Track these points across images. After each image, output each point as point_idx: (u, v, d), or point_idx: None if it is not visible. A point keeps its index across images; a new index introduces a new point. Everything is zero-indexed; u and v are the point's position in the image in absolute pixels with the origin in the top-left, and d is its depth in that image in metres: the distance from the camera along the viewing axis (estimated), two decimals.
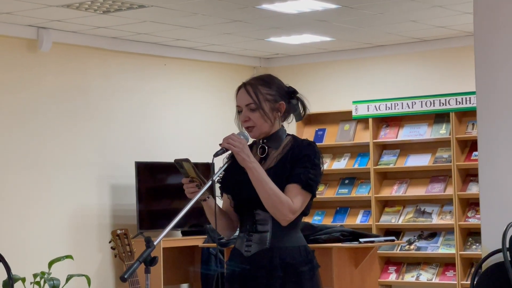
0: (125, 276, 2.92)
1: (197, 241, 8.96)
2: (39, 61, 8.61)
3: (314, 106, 10.64)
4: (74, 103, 8.90)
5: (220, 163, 3.47)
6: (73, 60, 8.92)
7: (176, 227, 9.17)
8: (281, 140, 3.44)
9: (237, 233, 3.48)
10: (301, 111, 3.54)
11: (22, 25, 8.34)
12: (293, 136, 3.48)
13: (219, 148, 3.32)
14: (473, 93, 5.15)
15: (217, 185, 3.52)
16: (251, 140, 3.46)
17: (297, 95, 3.52)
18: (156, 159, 9.31)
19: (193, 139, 9.85)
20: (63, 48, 8.80)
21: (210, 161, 3.37)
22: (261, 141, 3.46)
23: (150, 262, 3.00)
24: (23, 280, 7.85)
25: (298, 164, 3.33)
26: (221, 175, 3.42)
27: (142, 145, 9.47)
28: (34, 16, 7.95)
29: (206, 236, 8.79)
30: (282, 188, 3.31)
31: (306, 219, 9.40)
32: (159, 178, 9.31)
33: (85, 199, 8.94)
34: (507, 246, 4.55)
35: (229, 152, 3.33)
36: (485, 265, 4.80)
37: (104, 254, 8.99)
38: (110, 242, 3.75)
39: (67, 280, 8.09)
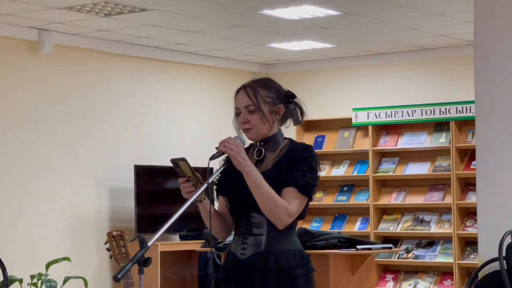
0: (118, 276, 2.91)
1: (195, 245, 8.95)
2: (40, 63, 8.62)
3: (314, 112, 10.68)
4: (74, 106, 8.91)
5: (217, 166, 3.46)
6: (74, 63, 8.93)
7: (174, 231, 9.21)
8: (278, 143, 3.44)
9: (232, 236, 3.48)
10: (299, 116, 3.54)
11: (24, 27, 8.35)
12: (290, 139, 3.48)
13: (215, 151, 3.32)
14: (473, 102, 5.15)
15: (214, 187, 3.52)
16: (248, 143, 3.46)
17: (295, 99, 3.52)
18: (155, 163, 9.31)
19: (192, 143, 9.85)
20: (64, 50, 8.80)
21: (208, 165, 3.33)
22: (258, 143, 3.46)
23: (143, 262, 3.00)
24: (20, 281, 7.84)
25: (295, 167, 3.33)
26: (217, 178, 3.42)
27: (141, 148, 9.48)
28: (36, 18, 7.96)
29: (203, 241, 8.79)
30: (279, 191, 3.31)
31: (304, 225, 9.45)
32: (158, 182, 9.31)
33: (83, 202, 8.93)
34: (504, 254, 4.54)
35: (226, 155, 3.32)
36: (481, 274, 4.79)
37: (101, 257, 8.99)
38: (105, 243, 3.76)
39: (64, 282, 8.08)
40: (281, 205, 3.26)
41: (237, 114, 3.46)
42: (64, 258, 8.19)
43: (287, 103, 3.48)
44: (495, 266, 4.67)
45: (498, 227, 4.75)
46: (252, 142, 3.50)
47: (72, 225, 8.82)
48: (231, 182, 3.41)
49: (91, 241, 8.93)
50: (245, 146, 3.41)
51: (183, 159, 3.30)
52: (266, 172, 3.35)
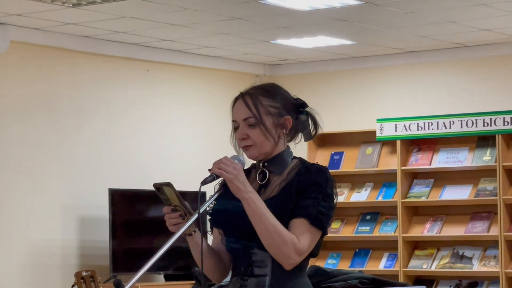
0: None
1: (184, 287, 8.98)
2: None
3: (330, 124, 10.72)
4: (36, 116, 8.93)
5: (210, 192, 3.48)
6: (36, 64, 8.95)
7: (157, 269, 9.22)
8: (286, 164, 3.45)
9: (229, 277, 3.49)
10: (311, 129, 3.56)
11: None
12: (300, 159, 3.49)
13: (208, 174, 3.34)
14: None
15: (207, 218, 3.54)
16: (248, 164, 3.47)
17: (307, 109, 3.54)
18: (134, 186, 9.32)
19: (181, 163, 9.88)
20: (23, 48, 8.84)
21: (198, 190, 3.34)
22: (261, 164, 3.47)
23: None
24: None
25: (306, 194, 3.34)
26: (211, 206, 3.43)
27: (118, 168, 9.50)
28: None
29: (194, 282, 8.81)
30: (286, 223, 3.32)
31: (317, 263, 9.44)
32: (138, 209, 9.34)
33: (47, 234, 8.95)
34: None
35: (222, 178, 3.33)
36: None
37: None
38: (73, 286, 3.78)
39: None
40: (288, 241, 3.27)
41: (235, 128, 3.47)
42: None
43: (297, 114, 3.50)
44: None
45: None
46: (254, 162, 3.52)
47: (32, 263, 8.83)
48: (227, 211, 3.42)
49: (55, 283, 8.94)
50: (245, 168, 3.43)
51: (168, 184, 3.31)
52: (270, 199, 3.36)
